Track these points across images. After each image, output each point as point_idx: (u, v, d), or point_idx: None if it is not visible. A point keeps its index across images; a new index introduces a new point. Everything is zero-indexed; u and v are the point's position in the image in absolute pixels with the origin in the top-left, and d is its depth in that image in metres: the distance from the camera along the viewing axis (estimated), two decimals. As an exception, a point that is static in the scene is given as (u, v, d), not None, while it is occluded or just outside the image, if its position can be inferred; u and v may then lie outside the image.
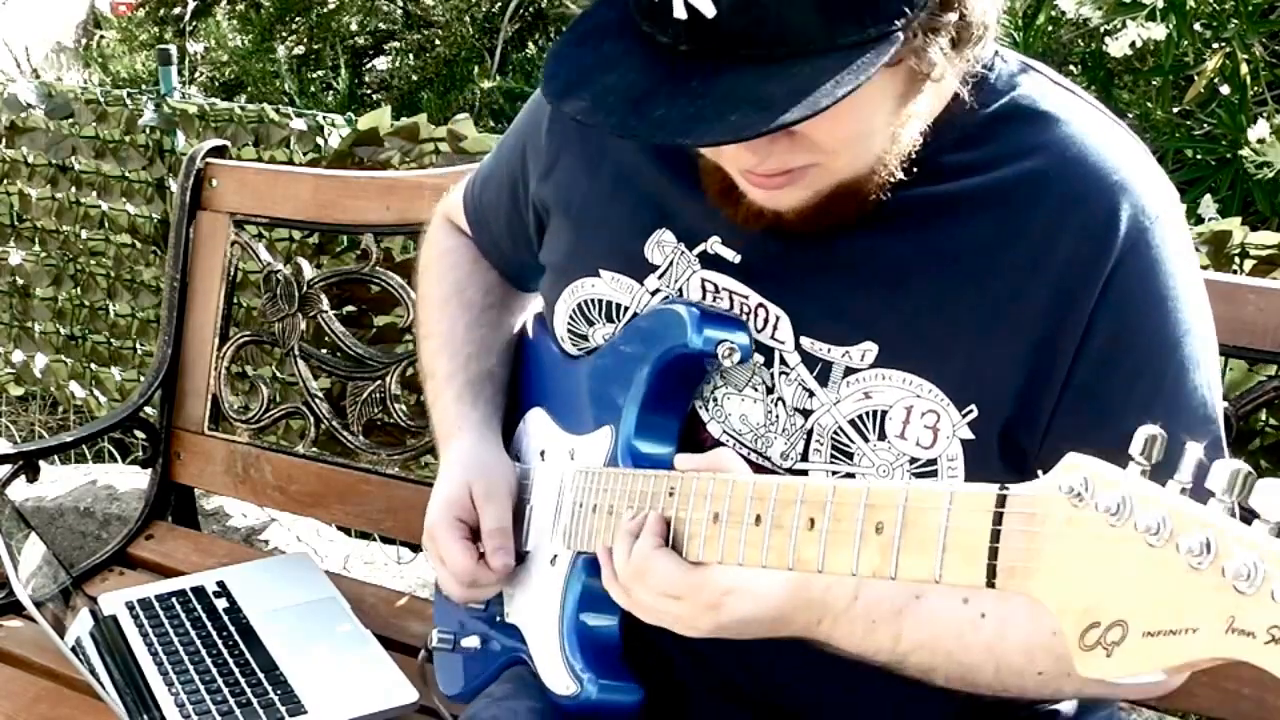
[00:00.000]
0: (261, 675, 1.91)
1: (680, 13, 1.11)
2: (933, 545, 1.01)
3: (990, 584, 0.97)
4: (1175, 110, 2.94)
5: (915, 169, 1.25)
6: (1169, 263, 1.24)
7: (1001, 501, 0.97)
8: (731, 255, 1.35)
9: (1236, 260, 2.07)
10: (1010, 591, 0.96)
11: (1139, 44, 2.68)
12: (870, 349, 1.28)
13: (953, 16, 1.16)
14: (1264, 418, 1.88)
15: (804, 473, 1.32)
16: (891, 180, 1.24)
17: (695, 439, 1.38)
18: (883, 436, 1.28)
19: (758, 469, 1.33)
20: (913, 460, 1.27)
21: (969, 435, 1.26)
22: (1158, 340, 1.24)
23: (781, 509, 1.15)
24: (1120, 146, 1.27)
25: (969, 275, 1.26)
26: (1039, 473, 1.23)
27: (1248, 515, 0.82)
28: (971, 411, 1.26)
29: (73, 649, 1.87)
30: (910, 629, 1.24)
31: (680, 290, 1.38)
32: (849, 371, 1.29)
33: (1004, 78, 1.29)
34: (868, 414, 1.29)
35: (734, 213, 1.30)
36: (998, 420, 1.26)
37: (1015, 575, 0.95)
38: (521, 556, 1.52)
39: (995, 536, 0.97)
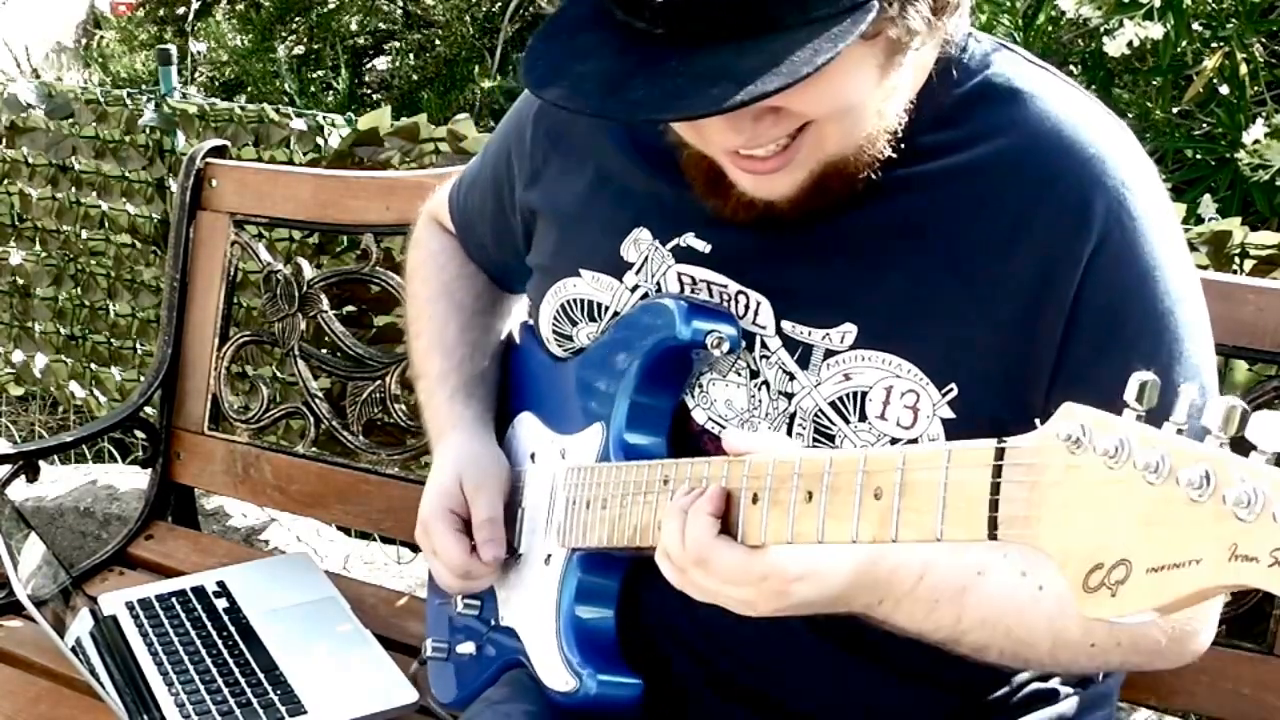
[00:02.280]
0: (261, 675, 1.91)
1: None
2: (932, 504, 1.02)
3: (992, 536, 0.98)
4: (1174, 110, 2.94)
5: (893, 150, 1.25)
6: (1151, 233, 1.24)
7: (1000, 454, 0.98)
8: (703, 246, 1.36)
9: (1236, 260, 2.07)
10: (1011, 542, 0.96)
11: (1136, 43, 2.67)
12: (849, 330, 1.29)
13: None
14: (1264, 418, 1.87)
15: None
16: (880, 158, 1.24)
17: (682, 427, 1.39)
18: (863, 418, 1.28)
19: None
20: (894, 441, 1.28)
21: (950, 414, 1.26)
22: (1150, 311, 1.24)
23: (779, 484, 1.15)
24: (1093, 121, 1.27)
25: (945, 255, 1.26)
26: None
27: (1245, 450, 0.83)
28: (951, 390, 1.26)
29: (73, 649, 1.87)
30: (972, 606, 1.23)
31: (659, 285, 1.39)
32: (829, 354, 1.30)
33: (977, 57, 1.29)
34: (848, 395, 1.29)
35: (723, 204, 1.30)
36: (982, 401, 1.26)
37: (1016, 525, 0.96)
38: (515, 559, 1.52)
39: (995, 489, 0.97)
